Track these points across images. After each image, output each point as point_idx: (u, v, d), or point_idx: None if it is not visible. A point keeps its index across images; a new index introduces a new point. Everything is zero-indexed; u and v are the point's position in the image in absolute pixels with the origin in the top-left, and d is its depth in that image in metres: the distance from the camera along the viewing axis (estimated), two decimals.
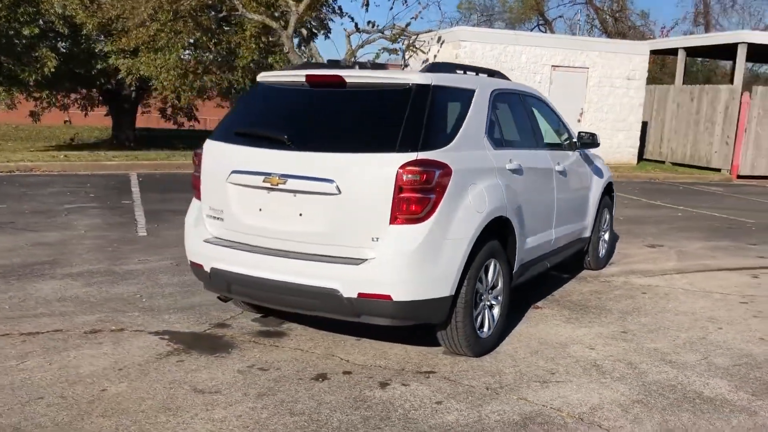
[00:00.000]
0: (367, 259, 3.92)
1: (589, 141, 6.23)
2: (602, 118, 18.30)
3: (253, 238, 4.26)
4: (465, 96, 4.55)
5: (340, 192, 3.92)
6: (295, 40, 16.99)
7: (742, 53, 18.90)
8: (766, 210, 12.65)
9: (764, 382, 4.24)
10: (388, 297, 3.88)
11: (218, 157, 4.44)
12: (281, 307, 4.38)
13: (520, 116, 5.39)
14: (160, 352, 4.38)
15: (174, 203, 9.90)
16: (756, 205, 13.31)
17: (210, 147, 4.52)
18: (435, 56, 17.82)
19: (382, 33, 18.05)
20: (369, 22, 17.14)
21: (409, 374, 4.14)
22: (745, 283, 6.82)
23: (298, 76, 4.45)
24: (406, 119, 4.00)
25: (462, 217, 4.09)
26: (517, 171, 4.85)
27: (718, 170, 18.98)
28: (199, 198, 4.58)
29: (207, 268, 4.38)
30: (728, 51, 20.00)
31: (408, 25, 17.07)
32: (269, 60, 19.53)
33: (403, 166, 3.85)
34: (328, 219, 4.00)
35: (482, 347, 4.45)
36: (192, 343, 4.56)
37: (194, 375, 4.03)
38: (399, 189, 3.85)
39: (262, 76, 4.72)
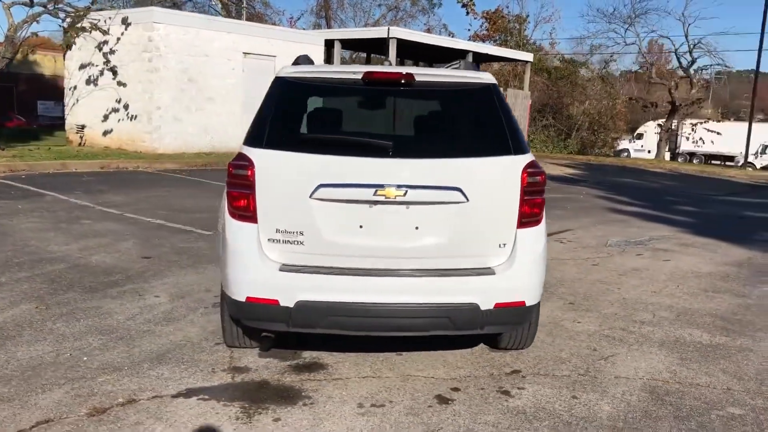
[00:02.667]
0: (497, 267, 3.74)
1: None
2: None
3: (352, 259, 3.65)
4: None
5: (467, 200, 3.64)
6: None
7: (393, 47, 21.28)
8: None
9: (718, 326, 5.24)
10: (522, 303, 3.77)
11: (286, 169, 3.64)
12: (385, 333, 3.83)
13: None
14: (233, 415, 3.48)
15: None
16: None
17: (267, 157, 3.66)
18: (118, 39, 16.08)
19: (45, 7, 15.66)
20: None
21: (505, 378, 4.07)
22: (565, 249, 8.06)
23: (350, 72, 3.89)
24: (505, 121, 3.87)
25: (546, 216, 4.17)
26: None
27: None
28: (250, 221, 3.69)
29: (288, 303, 3.58)
30: (380, 44, 22.27)
31: (93, 2, 15.06)
32: None
33: (525, 169, 3.76)
34: (452, 229, 3.67)
35: None
36: (249, 396, 3.70)
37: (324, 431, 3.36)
38: (524, 192, 3.76)
39: (286, 73, 3.98)
